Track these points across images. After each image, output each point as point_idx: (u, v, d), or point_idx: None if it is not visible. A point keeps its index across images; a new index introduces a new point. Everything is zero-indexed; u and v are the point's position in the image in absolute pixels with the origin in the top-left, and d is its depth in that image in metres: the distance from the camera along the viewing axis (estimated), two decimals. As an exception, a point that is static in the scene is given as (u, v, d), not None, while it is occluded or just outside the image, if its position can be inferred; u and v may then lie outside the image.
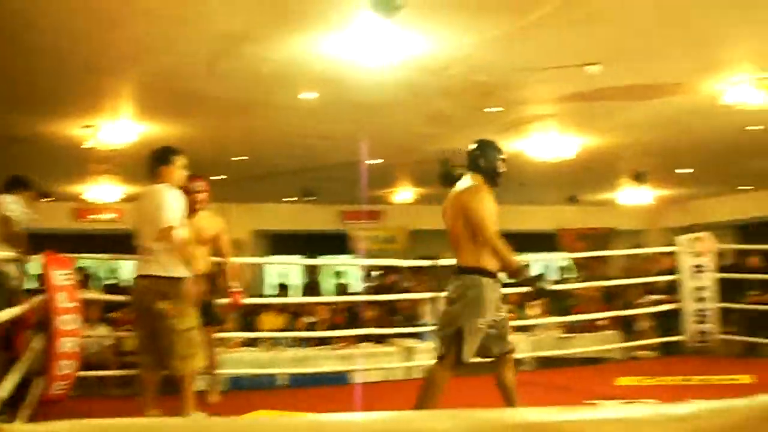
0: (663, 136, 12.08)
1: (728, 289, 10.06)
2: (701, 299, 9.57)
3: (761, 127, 11.26)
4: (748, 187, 18.98)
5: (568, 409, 0.95)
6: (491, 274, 5.49)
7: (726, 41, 7.83)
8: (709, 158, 14.29)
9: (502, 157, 5.73)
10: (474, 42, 7.52)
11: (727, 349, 10.11)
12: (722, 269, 10.15)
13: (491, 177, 5.68)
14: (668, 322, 10.09)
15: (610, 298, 12.79)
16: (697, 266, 9.63)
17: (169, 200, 5.69)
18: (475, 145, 5.73)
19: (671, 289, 10.03)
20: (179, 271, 5.70)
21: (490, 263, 5.48)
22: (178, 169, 5.98)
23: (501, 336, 5.61)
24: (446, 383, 5.39)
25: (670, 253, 10.14)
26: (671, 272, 9.99)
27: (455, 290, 5.52)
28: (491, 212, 5.50)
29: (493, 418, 0.93)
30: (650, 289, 11.65)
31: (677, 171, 15.64)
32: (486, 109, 10.06)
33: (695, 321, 9.58)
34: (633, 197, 16.64)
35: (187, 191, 6.29)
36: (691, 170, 15.71)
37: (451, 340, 5.40)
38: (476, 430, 0.87)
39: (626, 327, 11.73)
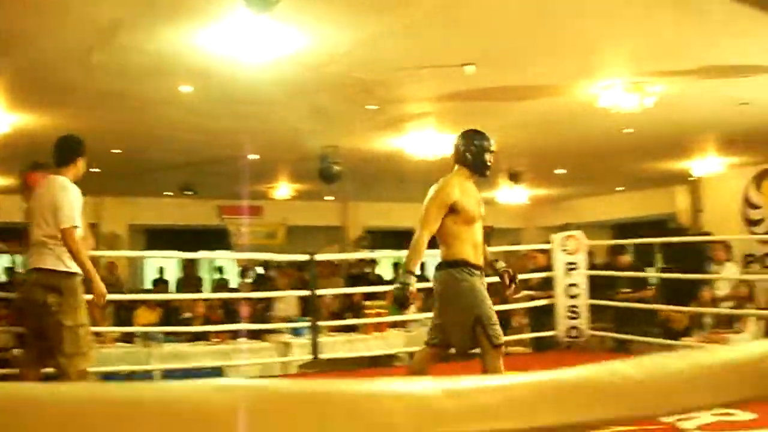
0: (539, 137, 12.32)
1: (600, 287, 10.33)
2: (574, 296, 9.80)
3: (634, 130, 11.60)
4: (622, 188, 19.56)
5: (363, 381, 0.94)
6: (474, 266, 5.47)
7: (601, 45, 8.03)
8: (585, 159, 14.65)
9: (491, 148, 5.67)
10: (353, 39, 7.53)
11: (599, 345, 10.39)
12: (595, 267, 10.42)
13: (478, 169, 5.64)
14: (542, 318, 10.29)
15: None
16: (570, 264, 9.85)
17: (72, 197, 5.52)
18: (461, 136, 5.70)
19: (545, 286, 10.24)
20: (72, 266, 5.53)
21: (471, 255, 5.47)
22: (82, 163, 5.82)
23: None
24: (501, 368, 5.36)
25: (545, 251, 10.36)
26: (546, 269, 10.21)
27: (444, 284, 5.48)
28: (436, 210, 5.47)
29: (273, 387, 0.92)
30: (526, 286, 11.87)
31: (554, 171, 16.00)
32: (366, 106, 10.09)
33: (568, 317, 9.80)
34: (510, 196, 16.91)
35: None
36: (565, 171, 16.07)
37: (473, 331, 5.39)
38: (258, 400, 0.86)
39: (502, 323, 11.93)
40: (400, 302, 5.52)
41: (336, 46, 7.70)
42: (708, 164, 15.04)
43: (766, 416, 5.39)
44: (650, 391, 0.84)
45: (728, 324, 10.65)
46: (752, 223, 16.36)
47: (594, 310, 10.05)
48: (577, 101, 9.76)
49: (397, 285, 5.48)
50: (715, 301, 11.28)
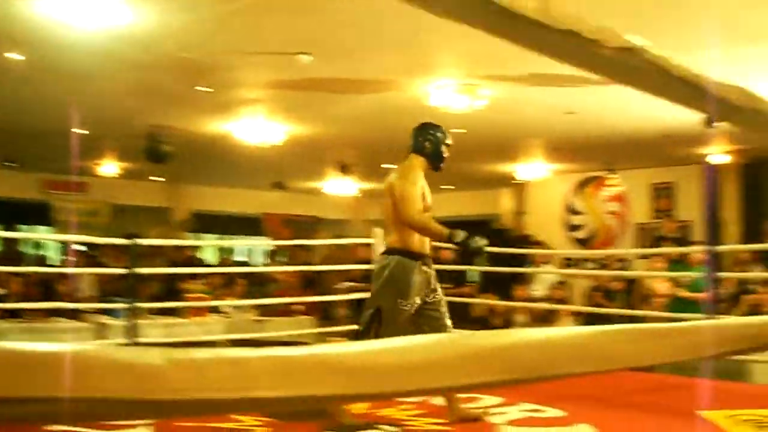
0: (369, 131, 12.39)
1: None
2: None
3: (463, 131, 11.81)
4: (450, 187, 19.93)
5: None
6: (417, 256, 5.39)
7: (435, 45, 8.12)
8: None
9: (447, 142, 5.67)
10: (184, 19, 7.37)
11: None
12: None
13: (433, 161, 5.60)
14: (361, 310, 10.35)
15: (310, 284, 13.02)
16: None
17: None
18: (421, 126, 5.65)
19: (366, 279, 10.30)
20: None
21: (416, 245, 5.39)
22: None
23: (438, 318, 5.50)
24: None
25: (368, 244, 10.43)
26: (368, 262, 10.26)
27: (378, 270, 5.42)
28: (416, 193, 5.38)
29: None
30: (348, 277, 11.95)
31: (383, 165, 16.11)
32: (197, 88, 9.91)
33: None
34: (338, 188, 16.96)
35: None
36: (395, 166, 16.18)
37: (371, 319, 5.33)
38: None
39: (323, 313, 11.99)
40: (478, 252, 5.33)
41: (168, 25, 7.52)
42: (533, 169, 15.51)
43: (575, 413, 5.58)
44: (395, 370, 0.85)
45: (544, 323, 11.00)
46: (573, 228, 16.99)
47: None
48: (409, 98, 9.85)
49: (463, 243, 5.32)
50: (530, 300, 11.66)
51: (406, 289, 5.32)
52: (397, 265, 5.34)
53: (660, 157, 14.03)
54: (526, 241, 15.46)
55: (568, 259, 16.21)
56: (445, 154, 5.70)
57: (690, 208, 15.51)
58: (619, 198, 16.31)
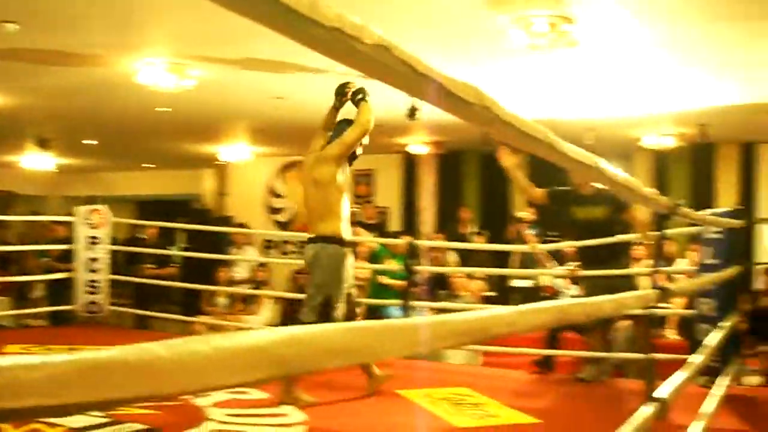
0: (72, 105, 11.94)
1: (125, 262, 10.28)
2: (94, 270, 9.67)
3: (169, 110, 11.70)
4: (152, 165, 19.63)
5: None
6: (348, 243, 5.61)
7: (146, 21, 7.96)
8: (117, 133, 14.47)
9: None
10: None
11: (119, 320, 10.38)
12: (121, 242, 10.37)
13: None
14: (61, 291, 10.07)
15: (5, 264, 12.43)
16: (93, 237, 9.71)
17: None
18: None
19: (66, 259, 10.01)
20: None
21: (346, 233, 5.55)
22: None
23: (355, 303, 5.80)
24: None
25: (68, 223, 10.13)
26: (67, 241, 9.98)
27: (316, 259, 5.51)
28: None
29: None
30: (45, 257, 11.54)
31: (84, 142, 15.62)
32: None
33: (87, 291, 9.66)
34: (36, 162, 16.21)
35: None
36: (96, 142, 15.78)
37: (322, 308, 5.47)
38: None
39: (20, 294, 11.51)
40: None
41: None
42: (237, 151, 15.56)
43: (278, 394, 5.71)
44: (178, 370, 0.92)
45: (245, 304, 11.14)
46: (274, 211, 17.23)
47: (117, 285, 10.02)
48: (117, 74, 9.60)
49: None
50: (232, 283, 11.76)
51: (346, 275, 5.60)
52: (336, 253, 5.53)
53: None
54: (227, 222, 15.51)
55: (269, 241, 16.46)
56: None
57: (389, 195, 16.19)
58: (320, 183, 16.66)
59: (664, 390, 2.91)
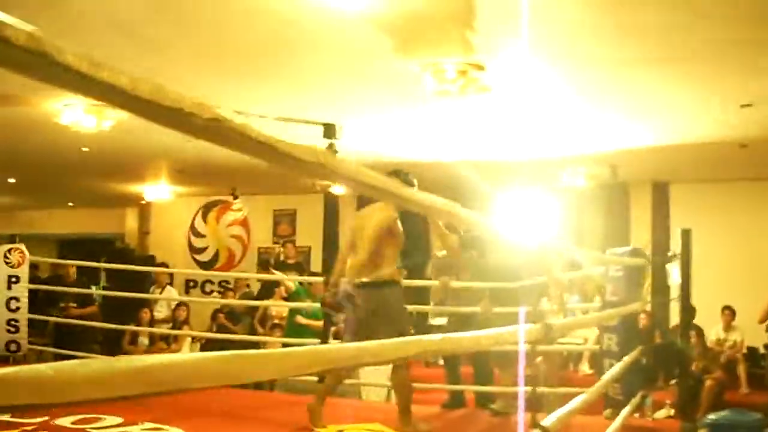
0: (-3, 145, 11.92)
1: (44, 301, 10.24)
2: (13, 309, 9.61)
3: (91, 150, 11.73)
4: (72, 204, 19.52)
5: None
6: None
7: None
8: (38, 171, 14.42)
9: None
10: None
11: (39, 360, 10.32)
12: (42, 281, 10.33)
13: None
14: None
15: None
16: (12, 277, 9.67)
17: None
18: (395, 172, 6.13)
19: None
20: None
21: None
22: None
23: None
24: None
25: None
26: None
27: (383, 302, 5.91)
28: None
29: None
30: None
31: (9, 180, 15.54)
32: None
33: (7, 330, 9.59)
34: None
35: None
36: (14, 180, 15.69)
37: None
38: None
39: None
40: None
41: None
42: (159, 190, 15.59)
43: (130, 417, 5.86)
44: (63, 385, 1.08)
45: (166, 342, 11.18)
46: (196, 250, 17.22)
47: (37, 324, 9.98)
48: (40, 114, 9.64)
49: None
50: (153, 323, 11.78)
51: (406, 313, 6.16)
52: (397, 295, 6.08)
53: (283, 184, 14.60)
54: (148, 261, 15.49)
55: (192, 281, 16.47)
56: None
57: (311, 234, 16.31)
58: (241, 222, 16.76)
59: (548, 420, 3.11)
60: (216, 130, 1.32)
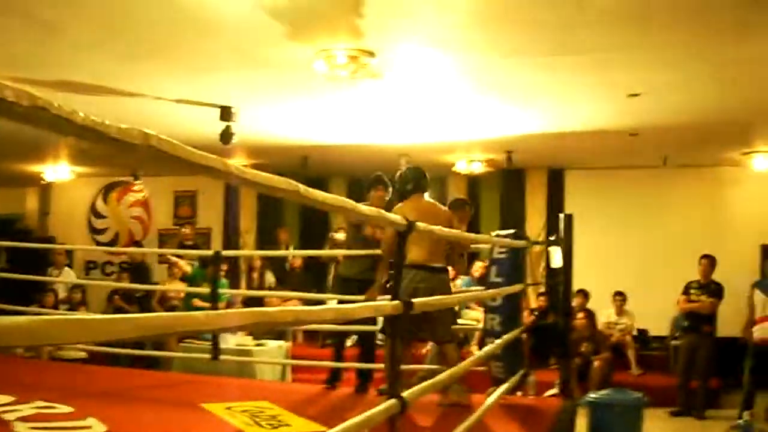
0: None
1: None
2: None
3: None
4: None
5: None
6: None
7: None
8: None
9: None
10: None
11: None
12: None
13: None
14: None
15: None
16: None
17: None
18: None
19: None
20: None
21: None
22: None
23: None
24: None
25: None
26: None
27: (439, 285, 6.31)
28: None
29: None
30: None
31: None
32: None
33: None
34: None
35: None
36: None
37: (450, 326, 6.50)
38: None
39: None
40: None
41: None
42: (59, 171, 15.40)
43: (84, 408, 5.88)
44: None
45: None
46: (96, 231, 17.03)
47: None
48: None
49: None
50: (58, 304, 11.71)
51: None
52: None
53: (183, 165, 14.48)
54: (49, 243, 15.32)
55: (92, 262, 16.33)
56: None
57: (211, 216, 16.30)
58: (142, 203, 16.65)
59: (407, 393, 3.28)
60: (41, 117, 1.40)
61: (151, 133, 1.75)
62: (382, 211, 3.23)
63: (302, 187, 2.37)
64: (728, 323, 11.92)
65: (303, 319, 2.33)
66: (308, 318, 2.39)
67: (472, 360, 4.83)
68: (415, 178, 6.80)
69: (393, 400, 3.06)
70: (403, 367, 6.11)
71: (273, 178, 2.23)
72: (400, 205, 6.63)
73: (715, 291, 10.87)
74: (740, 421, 5.81)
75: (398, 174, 6.98)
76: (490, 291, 6.38)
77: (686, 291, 10.98)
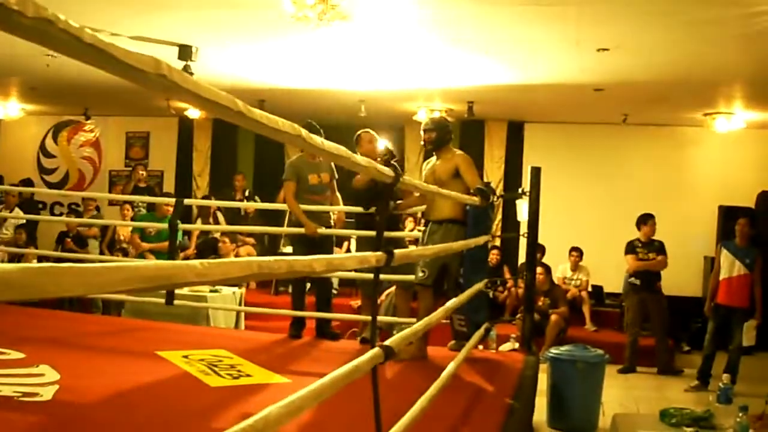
0: None
1: None
2: None
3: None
4: None
5: None
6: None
7: None
8: None
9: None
10: None
11: None
12: None
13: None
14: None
15: None
16: None
17: None
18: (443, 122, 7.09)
19: None
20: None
21: None
22: None
23: None
24: None
25: None
26: None
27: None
28: None
29: None
30: None
31: None
32: None
33: None
34: None
35: None
36: None
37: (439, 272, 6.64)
38: None
39: None
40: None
41: None
42: (9, 108, 14.98)
43: (35, 355, 5.69)
44: None
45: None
46: (46, 171, 16.71)
47: None
48: None
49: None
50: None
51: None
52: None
53: (136, 106, 14.21)
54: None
55: (39, 202, 15.99)
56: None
57: (164, 158, 16.03)
58: (93, 143, 16.37)
59: (391, 341, 3.18)
60: (45, 31, 1.23)
61: (163, 61, 1.56)
62: (374, 162, 3.16)
63: (304, 132, 2.33)
64: (683, 283, 11.95)
65: (297, 270, 2.18)
66: (302, 269, 2.25)
67: (442, 311, 4.69)
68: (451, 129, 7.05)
69: (377, 349, 2.97)
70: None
71: (278, 120, 2.14)
72: (461, 152, 6.94)
73: (660, 248, 10.84)
74: (721, 385, 5.74)
75: (436, 122, 7.14)
76: (458, 242, 6.22)
77: (632, 250, 10.89)
